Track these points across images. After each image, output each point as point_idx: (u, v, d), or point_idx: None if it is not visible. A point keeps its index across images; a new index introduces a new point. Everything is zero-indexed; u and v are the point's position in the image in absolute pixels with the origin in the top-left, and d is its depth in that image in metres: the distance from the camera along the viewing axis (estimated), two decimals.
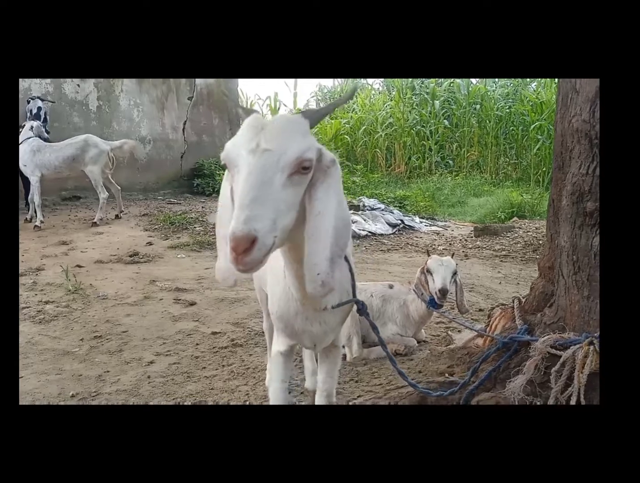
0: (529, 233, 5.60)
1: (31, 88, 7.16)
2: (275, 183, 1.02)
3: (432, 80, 13.95)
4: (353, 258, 1.79)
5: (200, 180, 8.65)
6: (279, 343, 1.61)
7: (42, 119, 6.70)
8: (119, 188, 6.60)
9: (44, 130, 6.34)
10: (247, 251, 0.95)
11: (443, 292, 2.39)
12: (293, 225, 1.09)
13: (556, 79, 11.49)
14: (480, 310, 3.25)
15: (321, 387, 1.66)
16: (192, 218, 6.29)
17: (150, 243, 5.30)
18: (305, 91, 27.11)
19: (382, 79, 17.43)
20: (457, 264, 2.53)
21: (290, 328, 1.47)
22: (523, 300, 2.05)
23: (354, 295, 1.47)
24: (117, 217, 6.56)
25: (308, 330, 1.45)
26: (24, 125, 6.05)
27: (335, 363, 1.67)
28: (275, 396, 1.60)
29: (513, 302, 2.05)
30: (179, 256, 4.87)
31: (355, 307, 2.64)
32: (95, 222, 6.09)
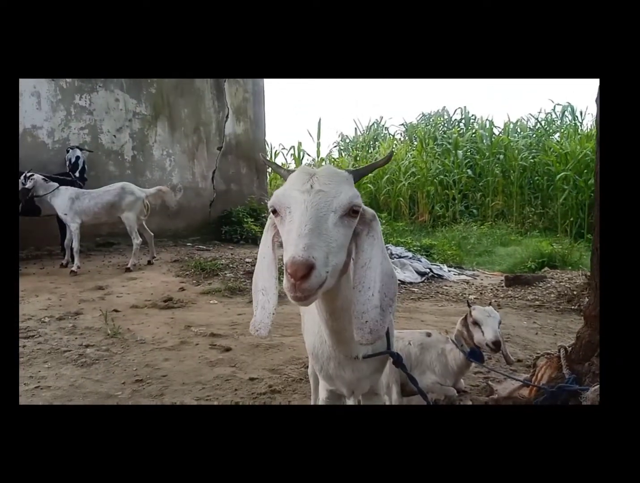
0: (561, 283, 5.53)
1: (69, 138, 7.53)
2: (328, 221, 1.08)
3: (455, 130, 14.27)
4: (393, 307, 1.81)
5: (229, 227, 8.86)
6: (321, 389, 1.64)
7: (79, 168, 7.04)
8: (152, 234, 6.80)
9: (67, 176, 6.65)
10: (305, 277, 0.98)
11: (496, 344, 2.29)
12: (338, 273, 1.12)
13: (586, 130, 11.64)
14: (519, 360, 3.20)
15: None
16: (222, 264, 6.41)
17: (182, 289, 5.40)
18: (328, 141, 27.84)
19: (403, 129, 17.93)
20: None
21: (325, 371, 1.49)
22: (569, 349, 2.04)
23: (389, 346, 1.46)
24: (149, 263, 6.73)
25: (341, 375, 1.47)
26: (31, 188, 5.98)
27: None
28: None
29: (559, 351, 2.05)
30: (211, 302, 4.95)
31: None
32: (128, 268, 6.24)
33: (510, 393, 2.25)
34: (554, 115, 14.70)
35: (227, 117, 9.44)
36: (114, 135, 8.07)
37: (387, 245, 7.63)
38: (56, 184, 6.19)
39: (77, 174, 6.96)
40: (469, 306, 2.55)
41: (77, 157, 7.06)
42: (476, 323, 2.42)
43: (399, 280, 5.78)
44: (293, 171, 1.25)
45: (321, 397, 1.63)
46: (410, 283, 5.79)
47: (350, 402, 2.15)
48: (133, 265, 6.31)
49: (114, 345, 3.54)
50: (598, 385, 1.69)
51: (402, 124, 18.00)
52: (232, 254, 7.44)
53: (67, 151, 7.13)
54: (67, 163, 7.03)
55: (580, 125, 13.54)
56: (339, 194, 1.12)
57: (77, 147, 7.19)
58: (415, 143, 14.90)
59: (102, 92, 7.83)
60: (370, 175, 13.68)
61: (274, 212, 1.17)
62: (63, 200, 6.10)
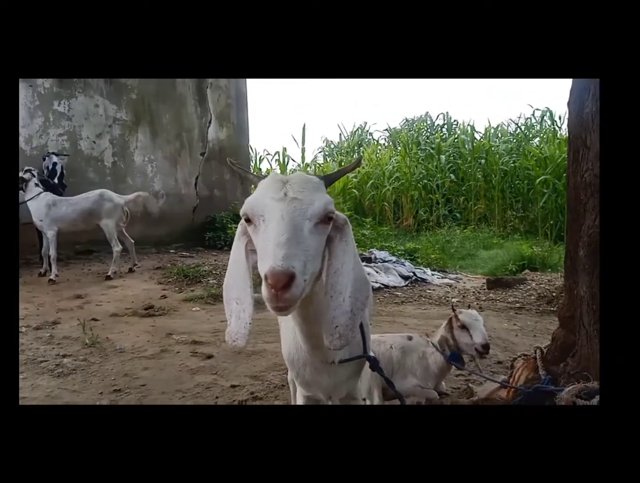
0: (541, 285, 5.61)
1: (48, 145, 7.41)
2: (304, 229, 1.07)
3: (437, 135, 14.42)
4: (369, 311, 1.82)
5: (212, 233, 8.80)
6: (298, 396, 1.63)
7: (58, 174, 6.91)
8: (133, 241, 6.72)
9: (49, 181, 6.52)
10: (286, 287, 0.97)
11: (486, 347, 2.33)
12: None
13: (564, 135, 11.83)
14: (499, 362, 3.23)
15: None
16: (205, 271, 6.37)
17: (164, 296, 5.35)
18: (313, 146, 27.90)
19: (387, 135, 18.04)
20: None
21: (301, 377, 1.48)
22: (545, 350, 2.06)
23: (365, 350, 1.46)
24: (130, 270, 6.64)
25: (317, 381, 1.46)
26: (28, 180, 5.99)
27: None
28: None
29: (535, 352, 2.07)
30: (193, 309, 4.90)
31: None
32: (109, 276, 6.15)
33: (489, 395, 2.27)
34: (533, 120, 14.95)
35: (209, 122, 9.40)
36: (94, 142, 7.97)
37: (371, 249, 7.67)
38: (40, 189, 6.09)
39: (56, 181, 6.85)
40: (454, 310, 2.57)
41: (55, 163, 6.93)
42: (464, 327, 2.44)
43: (383, 284, 5.80)
44: (263, 177, 1.23)
45: (298, 404, 1.62)
46: (394, 287, 5.80)
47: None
48: (113, 272, 6.23)
49: (92, 354, 3.48)
50: (573, 386, 1.71)
51: (386, 129, 18.14)
52: (215, 260, 7.39)
53: (44, 159, 7.01)
54: (45, 170, 6.91)
55: (560, 130, 13.78)
56: (314, 202, 1.11)
57: (54, 153, 7.07)
58: (399, 148, 15.00)
59: (81, 97, 7.75)
60: (354, 180, 13.79)
61: (247, 220, 1.16)
62: (39, 207, 5.98)
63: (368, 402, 2.58)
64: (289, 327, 1.43)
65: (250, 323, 1.18)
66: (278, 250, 1.01)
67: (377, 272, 6.07)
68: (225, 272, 5.31)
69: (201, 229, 9.03)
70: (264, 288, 1.00)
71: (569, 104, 1.87)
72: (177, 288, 5.73)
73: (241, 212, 1.16)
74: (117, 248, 6.28)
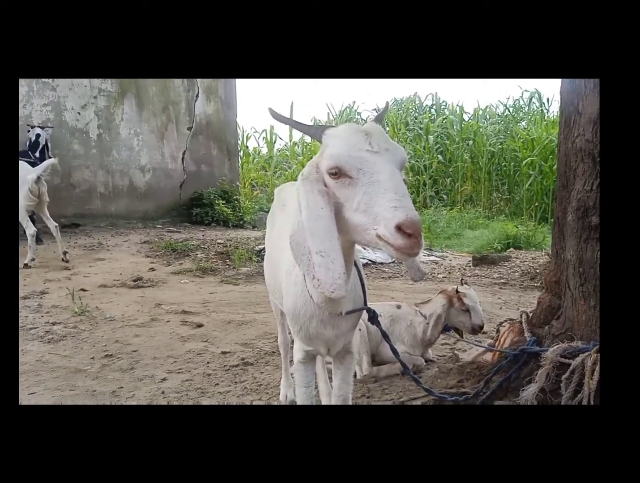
0: (525, 262, 5.72)
1: (32, 115, 7.24)
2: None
3: (426, 115, 14.38)
4: (362, 267, 1.85)
5: (199, 209, 8.75)
6: (296, 352, 1.66)
7: (40, 146, 6.72)
8: (57, 224, 5.78)
9: (29, 153, 6.36)
10: (421, 234, 1.04)
11: (482, 327, 2.51)
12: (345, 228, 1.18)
13: (552, 117, 11.85)
14: (484, 332, 3.30)
15: (337, 392, 1.69)
16: (193, 245, 6.35)
17: (152, 269, 5.35)
18: None
19: (375, 114, 17.93)
20: None
21: (305, 331, 1.51)
22: (530, 314, 2.13)
23: (365, 302, 1.53)
24: (26, 266, 5.27)
25: (321, 333, 1.50)
26: None
27: (350, 369, 1.71)
28: (301, 400, 1.67)
29: (521, 316, 2.13)
30: (182, 281, 4.91)
31: (364, 327, 2.70)
32: (26, 264, 5.20)
33: (475, 359, 2.33)
34: (521, 102, 14.99)
35: (197, 96, 9.26)
36: (79, 113, 7.81)
37: None
38: None
39: (37, 154, 6.68)
40: (458, 292, 2.58)
41: (38, 135, 6.74)
42: (467, 309, 2.54)
43: (371, 260, 5.87)
44: (320, 127, 1.24)
45: (297, 359, 1.64)
46: (381, 263, 5.87)
47: (320, 366, 2.20)
48: (31, 260, 5.28)
49: (82, 322, 3.49)
50: (557, 346, 1.78)
51: (375, 109, 18.03)
52: (203, 236, 7.37)
53: (28, 131, 6.82)
54: (28, 142, 6.75)
55: (547, 112, 13.85)
56: (397, 152, 1.17)
57: (39, 126, 6.88)
58: (387, 128, 14.95)
59: None
60: None
61: (335, 174, 1.15)
62: None
63: (357, 367, 2.64)
64: (295, 282, 1.45)
65: (344, 273, 1.18)
66: (405, 200, 1.05)
67: (364, 249, 6.12)
68: (213, 247, 5.35)
69: (188, 205, 8.97)
70: (398, 239, 1.03)
71: (561, 92, 1.90)
72: (165, 262, 5.73)
73: (330, 165, 1.15)
74: (29, 231, 5.34)
